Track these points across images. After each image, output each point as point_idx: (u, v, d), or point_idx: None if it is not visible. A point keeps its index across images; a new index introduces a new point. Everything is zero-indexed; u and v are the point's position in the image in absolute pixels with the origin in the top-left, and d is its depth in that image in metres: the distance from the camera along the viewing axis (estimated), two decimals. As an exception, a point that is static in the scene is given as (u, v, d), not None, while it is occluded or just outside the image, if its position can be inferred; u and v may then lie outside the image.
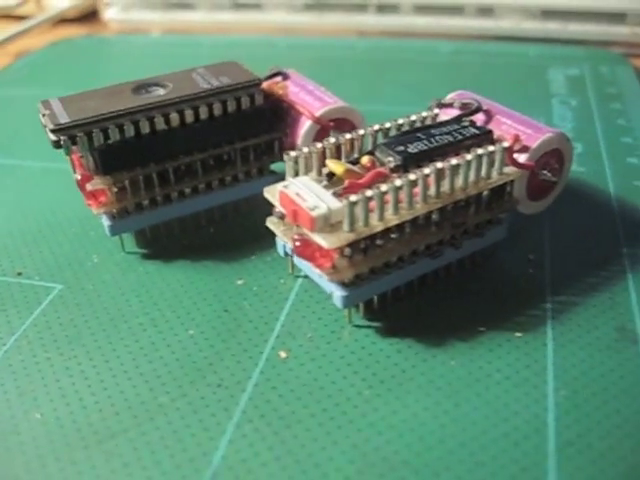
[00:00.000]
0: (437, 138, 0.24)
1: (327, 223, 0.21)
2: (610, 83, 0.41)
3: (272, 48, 0.51)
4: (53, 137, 0.24)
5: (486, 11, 0.52)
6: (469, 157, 0.23)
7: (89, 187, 0.25)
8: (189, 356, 0.22)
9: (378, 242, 0.22)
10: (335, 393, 0.21)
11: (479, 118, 0.26)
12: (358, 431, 0.19)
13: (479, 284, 0.25)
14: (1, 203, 0.31)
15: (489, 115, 0.26)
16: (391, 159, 0.23)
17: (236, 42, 0.52)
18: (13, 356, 0.23)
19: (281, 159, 0.27)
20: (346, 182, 0.22)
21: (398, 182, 0.21)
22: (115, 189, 0.26)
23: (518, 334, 0.22)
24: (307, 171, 0.24)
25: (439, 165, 0.22)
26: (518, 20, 0.51)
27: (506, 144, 0.23)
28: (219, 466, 0.19)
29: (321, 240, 0.21)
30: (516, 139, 0.24)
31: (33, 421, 0.20)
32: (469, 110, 0.26)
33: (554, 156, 0.25)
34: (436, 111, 0.27)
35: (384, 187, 0.21)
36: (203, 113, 0.26)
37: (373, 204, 0.21)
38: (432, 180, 0.22)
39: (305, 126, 0.27)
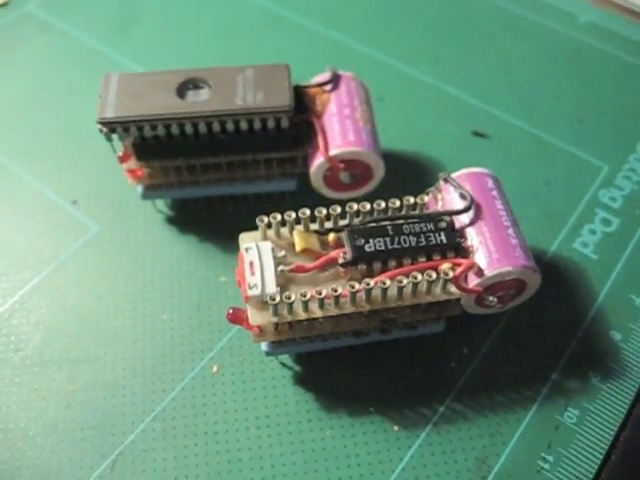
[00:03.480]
0: (402, 238, 0.26)
1: (260, 301, 0.25)
2: None
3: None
4: (98, 125, 0.29)
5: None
6: (405, 281, 0.25)
7: (125, 166, 0.30)
8: (152, 339, 0.29)
9: (304, 322, 0.26)
10: (230, 421, 0.27)
11: (465, 217, 0.27)
12: (228, 462, 0.26)
13: (403, 362, 0.28)
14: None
15: (476, 216, 0.27)
16: (343, 255, 0.26)
17: None
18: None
19: (304, 171, 0.30)
20: (293, 265, 0.26)
21: (324, 292, 0.24)
22: (148, 170, 0.31)
23: (396, 427, 0.26)
24: (277, 237, 0.27)
25: (371, 283, 0.25)
26: None
27: (450, 274, 0.25)
28: (125, 448, 0.26)
29: (249, 313, 0.25)
30: (469, 267, 0.25)
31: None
32: (454, 210, 0.27)
33: (512, 285, 0.26)
34: (442, 184, 0.28)
35: (308, 294, 0.24)
36: (230, 127, 0.29)
37: (306, 292, 0.25)
38: (362, 293, 0.25)
39: (316, 162, 0.29)
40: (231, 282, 0.30)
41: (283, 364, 0.28)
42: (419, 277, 0.25)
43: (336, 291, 0.24)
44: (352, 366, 0.28)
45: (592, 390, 0.27)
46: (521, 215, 0.32)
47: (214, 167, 0.31)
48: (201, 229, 0.32)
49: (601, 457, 0.26)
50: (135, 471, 0.26)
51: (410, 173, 0.34)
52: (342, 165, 0.29)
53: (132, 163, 0.30)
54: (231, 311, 0.26)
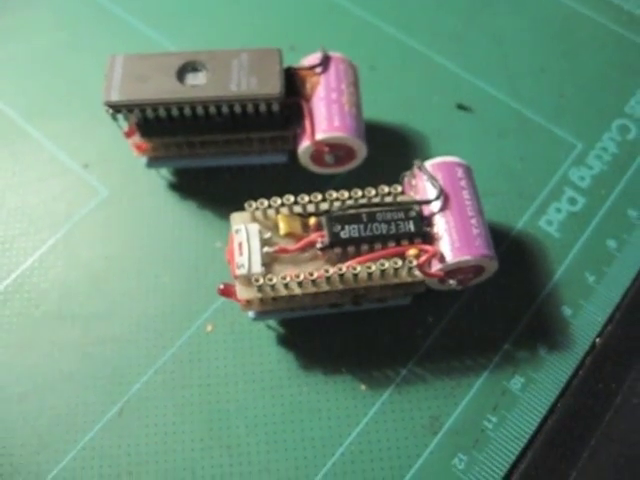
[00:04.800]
0: (374, 226, 0.29)
1: (246, 279, 0.29)
2: None
3: None
4: (104, 106, 0.31)
5: None
6: (373, 267, 0.28)
7: (130, 142, 0.33)
8: (155, 299, 0.33)
9: (286, 297, 0.30)
10: (221, 375, 0.31)
11: (434, 205, 0.30)
12: (210, 412, 0.30)
13: (373, 328, 0.32)
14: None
15: (443, 205, 0.30)
16: (321, 240, 0.29)
17: None
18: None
19: (293, 147, 0.33)
20: (277, 247, 0.29)
21: (302, 275, 0.28)
22: (151, 144, 0.34)
23: (363, 387, 0.31)
24: (264, 217, 0.30)
25: (343, 268, 0.28)
26: None
27: (414, 262, 0.28)
28: (131, 396, 0.31)
29: (237, 289, 0.29)
30: (432, 255, 0.29)
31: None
32: (424, 200, 0.30)
33: (471, 270, 0.30)
34: (416, 171, 0.31)
35: (288, 277, 0.28)
36: (225, 111, 0.32)
37: (288, 272, 0.28)
38: (336, 276, 0.28)
39: (303, 145, 0.32)
40: (225, 248, 0.34)
41: (269, 326, 0.32)
42: (386, 264, 0.28)
43: (312, 275, 0.28)
44: (328, 331, 0.32)
45: (538, 360, 0.31)
46: (494, 191, 0.35)
47: (211, 143, 0.34)
48: (200, 196, 0.35)
49: (539, 420, 0.30)
50: (140, 416, 0.30)
51: (393, 148, 0.36)
52: (327, 148, 0.32)
53: (137, 138, 0.33)
54: (222, 286, 0.29)
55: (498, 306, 0.32)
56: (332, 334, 0.32)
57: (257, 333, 0.32)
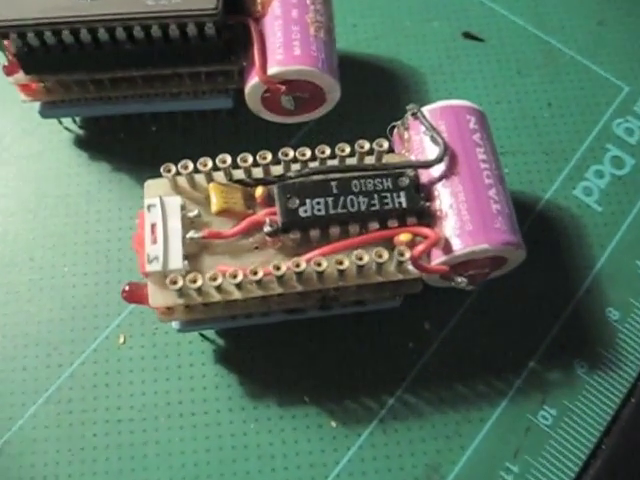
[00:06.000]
0: (349, 199, 0.20)
1: (162, 278, 0.20)
2: None
3: None
4: (-33, 29, 0.22)
5: None
6: (347, 262, 0.19)
7: (11, 80, 0.24)
8: (49, 299, 0.24)
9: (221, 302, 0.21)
10: (137, 406, 0.22)
11: (436, 169, 0.21)
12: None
13: (348, 341, 0.23)
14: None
15: (449, 169, 0.21)
16: (270, 221, 0.20)
17: None
18: None
19: (241, 85, 0.24)
20: (206, 231, 0.20)
21: (239, 275, 0.19)
22: (42, 84, 0.24)
23: (333, 423, 0.22)
24: (192, 187, 0.21)
25: (302, 264, 0.19)
26: None
27: (407, 255, 0.19)
28: (12, 436, 0.22)
29: (149, 291, 0.20)
30: (433, 244, 0.20)
31: None
32: (421, 162, 0.21)
33: (488, 263, 0.21)
34: (410, 120, 0.22)
35: (219, 278, 0.19)
36: (139, 35, 0.22)
37: (222, 267, 0.20)
38: (292, 274, 0.19)
39: (251, 83, 0.23)
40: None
41: (203, 336, 0.23)
42: (366, 257, 0.19)
43: (256, 273, 0.19)
44: (286, 345, 0.23)
45: (576, 384, 0.23)
46: (513, 149, 0.27)
47: (126, 81, 0.25)
48: (117, 154, 0.27)
49: (577, 468, 0.21)
50: (23, 464, 0.22)
51: (378, 90, 0.28)
52: (284, 88, 0.23)
53: (20, 77, 0.24)
54: (127, 288, 0.20)
55: (518, 308, 0.24)
56: (291, 349, 0.23)
57: (187, 347, 0.23)
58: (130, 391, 0.22)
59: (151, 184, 0.21)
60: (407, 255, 0.19)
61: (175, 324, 0.22)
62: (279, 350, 0.23)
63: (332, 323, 0.23)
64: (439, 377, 0.23)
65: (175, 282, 0.19)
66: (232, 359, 0.23)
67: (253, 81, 0.23)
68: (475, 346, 0.23)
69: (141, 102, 0.25)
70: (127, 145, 0.27)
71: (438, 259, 0.20)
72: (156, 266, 0.19)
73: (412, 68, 0.28)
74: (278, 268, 0.19)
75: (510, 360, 0.23)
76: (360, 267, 0.19)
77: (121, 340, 0.23)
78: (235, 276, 0.19)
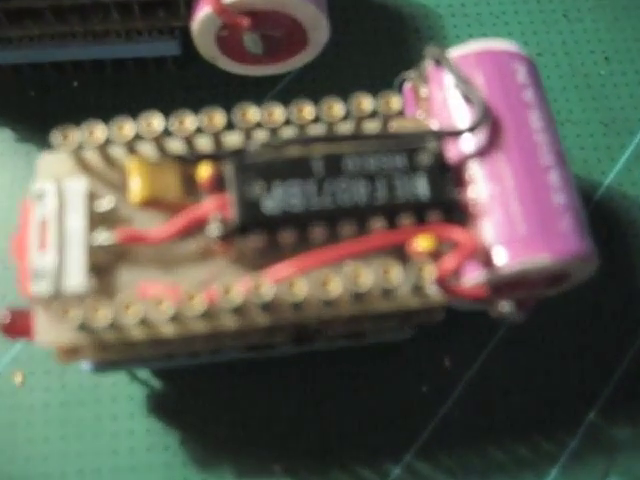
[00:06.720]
0: (341, 185, 0.13)
1: (52, 305, 0.13)
2: None
3: None
4: None
5: None
6: (335, 284, 0.12)
7: None
8: None
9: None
10: (37, 474, 0.16)
11: (470, 141, 0.14)
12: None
13: (329, 386, 0.17)
14: None
15: (490, 142, 0.14)
16: (221, 219, 0.13)
17: None
18: None
19: (187, 22, 0.17)
20: (123, 232, 0.13)
21: (165, 304, 0.12)
22: None
23: None
24: (107, 165, 0.14)
25: (266, 285, 0.12)
26: None
27: (430, 271, 0.13)
28: None
29: (36, 324, 0.13)
30: (468, 255, 0.13)
31: None
32: (447, 130, 0.14)
33: (545, 281, 0.14)
34: (430, 70, 0.15)
35: (141, 311, 0.12)
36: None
37: (145, 287, 0.13)
38: (254, 300, 0.13)
39: (201, 15, 0.16)
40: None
41: (133, 377, 0.17)
42: (364, 276, 0.13)
43: (193, 298, 0.12)
44: (248, 388, 0.17)
45: (656, 446, 0.16)
46: (562, 117, 0.21)
47: (30, 16, 0.18)
48: (21, 118, 0.20)
49: None
50: None
51: (379, 35, 0.22)
52: (247, 22, 0.16)
53: None
54: (7, 319, 0.13)
55: (569, 340, 0.18)
56: (255, 395, 0.17)
57: (108, 390, 0.17)
58: (27, 452, 0.16)
59: (48, 160, 0.14)
60: (429, 272, 0.13)
61: (86, 365, 0.15)
62: (238, 397, 0.17)
63: (314, 360, 0.16)
64: (463, 436, 0.17)
65: (70, 311, 0.12)
66: (169, 408, 0.17)
67: (204, 13, 0.16)
68: (510, 391, 0.17)
69: (53, 45, 0.19)
70: (37, 105, 0.20)
71: (473, 276, 0.13)
72: (44, 286, 0.13)
73: (426, 7, 0.21)
74: (227, 291, 0.12)
75: (562, 411, 0.17)
76: (358, 295, 0.13)
77: (18, 379, 0.17)
78: (160, 302, 0.12)
